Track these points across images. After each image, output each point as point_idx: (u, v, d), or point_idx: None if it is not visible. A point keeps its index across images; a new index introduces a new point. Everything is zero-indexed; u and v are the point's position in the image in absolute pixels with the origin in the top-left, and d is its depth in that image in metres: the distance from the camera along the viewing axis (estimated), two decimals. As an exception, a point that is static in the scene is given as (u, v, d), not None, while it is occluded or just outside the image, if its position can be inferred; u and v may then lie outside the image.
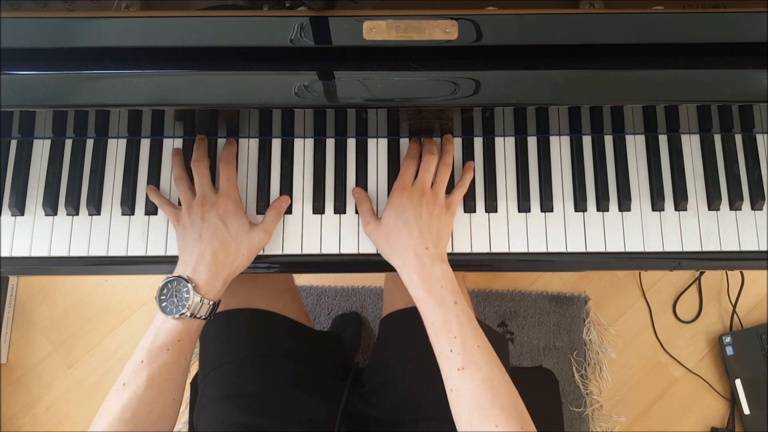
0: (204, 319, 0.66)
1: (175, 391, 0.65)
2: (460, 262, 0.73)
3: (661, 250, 0.74)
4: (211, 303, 0.65)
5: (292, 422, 0.77)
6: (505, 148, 0.77)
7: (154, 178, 0.75)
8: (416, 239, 0.67)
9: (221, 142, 0.77)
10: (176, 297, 0.64)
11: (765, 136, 0.77)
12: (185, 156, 0.76)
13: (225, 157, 0.74)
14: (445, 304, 0.64)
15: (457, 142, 0.77)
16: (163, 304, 0.64)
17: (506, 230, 0.74)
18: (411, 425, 0.77)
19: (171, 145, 0.77)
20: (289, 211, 0.75)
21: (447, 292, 0.65)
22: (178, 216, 0.71)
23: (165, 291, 0.64)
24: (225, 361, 0.80)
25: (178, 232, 0.71)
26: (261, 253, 0.74)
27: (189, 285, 0.64)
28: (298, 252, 0.74)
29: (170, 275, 0.65)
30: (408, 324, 0.86)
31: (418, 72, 0.64)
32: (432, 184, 0.72)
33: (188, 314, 0.63)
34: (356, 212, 0.75)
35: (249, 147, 0.77)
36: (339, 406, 0.79)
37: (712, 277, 1.55)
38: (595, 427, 1.45)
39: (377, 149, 0.77)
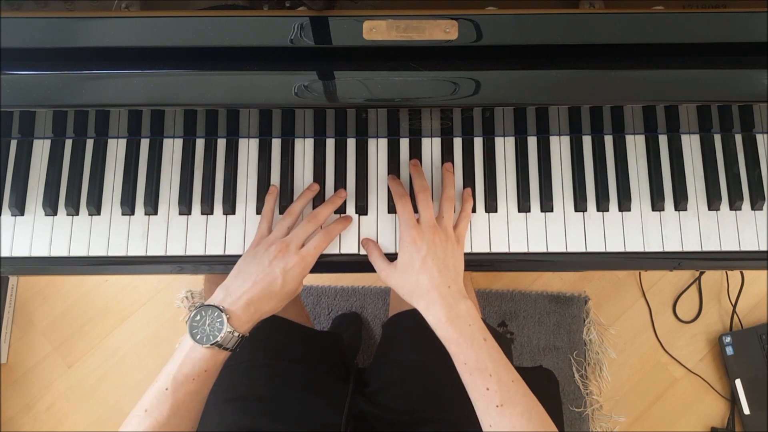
0: (230, 350, 0.66)
1: (194, 421, 0.65)
2: (460, 262, 0.73)
3: (661, 250, 0.74)
4: (239, 336, 0.65)
5: (300, 425, 0.77)
6: (505, 148, 0.77)
7: (153, 178, 0.75)
8: (437, 279, 0.66)
9: (221, 143, 0.77)
10: (209, 326, 0.64)
11: (765, 136, 0.77)
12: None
13: (332, 228, 0.73)
14: (476, 343, 0.64)
15: (457, 142, 0.77)
16: (194, 331, 0.64)
17: (506, 230, 0.74)
18: (416, 426, 0.76)
19: (171, 145, 0.77)
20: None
21: (476, 330, 0.64)
22: (258, 242, 0.71)
23: (198, 318, 0.64)
24: (227, 364, 0.80)
25: (247, 256, 0.70)
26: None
27: (225, 316, 0.64)
28: (298, 252, 0.74)
29: (207, 302, 0.65)
30: (416, 324, 0.86)
31: (418, 72, 0.64)
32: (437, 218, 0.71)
33: (218, 344, 0.63)
34: (357, 212, 0.75)
35: (249, 147, 0.77)
36: (343, 407, 0.79)
37: (712, 277, 1.55)
38: (595, 427, 1.45)
39: (377, 149, 0.77)
